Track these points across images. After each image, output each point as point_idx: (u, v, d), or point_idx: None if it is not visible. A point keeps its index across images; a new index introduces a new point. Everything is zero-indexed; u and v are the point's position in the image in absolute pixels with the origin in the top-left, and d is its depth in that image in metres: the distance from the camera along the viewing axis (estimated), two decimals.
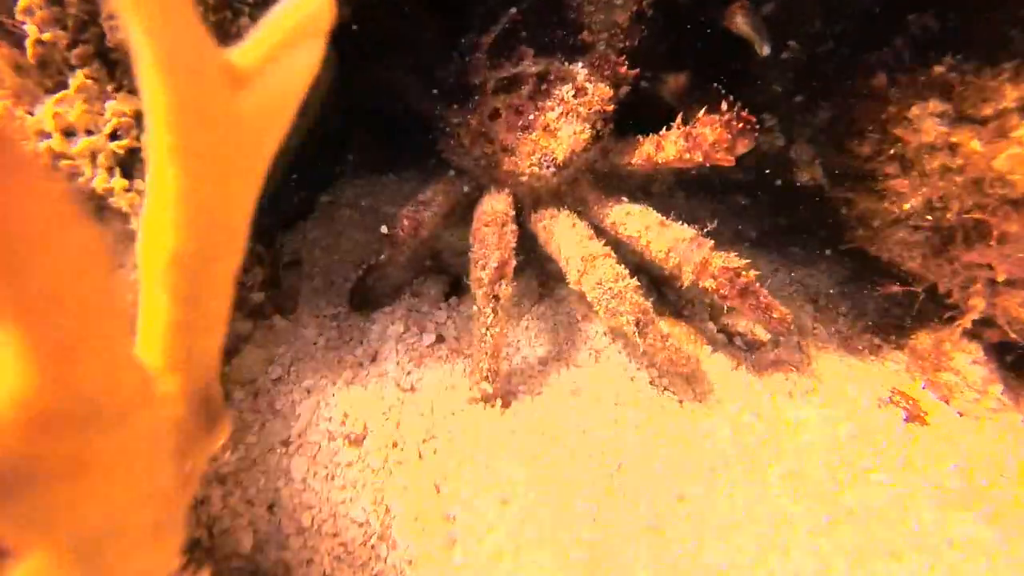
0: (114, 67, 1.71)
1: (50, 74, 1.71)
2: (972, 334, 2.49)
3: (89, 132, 1.68)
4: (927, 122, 1.99)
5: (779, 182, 2.78)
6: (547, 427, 2.15)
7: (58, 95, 1.65)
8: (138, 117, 1.70)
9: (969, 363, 2.49)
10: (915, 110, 1.99)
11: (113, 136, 1.69)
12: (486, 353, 2.07)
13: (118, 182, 1.67)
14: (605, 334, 2.54)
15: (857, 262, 3.09)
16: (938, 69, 1.98)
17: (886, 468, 2.31)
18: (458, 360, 2.34)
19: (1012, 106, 1.91)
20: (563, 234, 2.21)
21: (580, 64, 2.24)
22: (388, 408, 2.14)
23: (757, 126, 2.16)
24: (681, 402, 2.41)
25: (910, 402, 2.47)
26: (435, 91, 2.62)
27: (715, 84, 2.36)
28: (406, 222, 2.29)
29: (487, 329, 2.06)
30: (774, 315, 2.33)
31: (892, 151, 2.07)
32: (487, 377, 2.09)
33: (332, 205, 3.08)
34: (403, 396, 2.18)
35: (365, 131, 3.26)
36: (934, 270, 2.32)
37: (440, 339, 2.41)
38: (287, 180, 2.92)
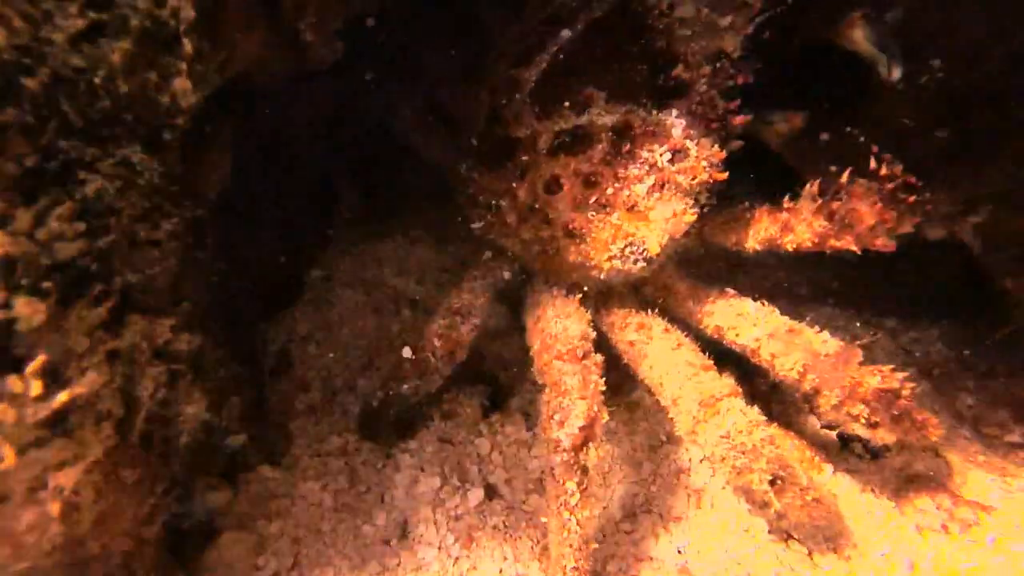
0: None
1: None
2: None
3: None
4: None
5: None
6: None
7: None
8: (6, 266, 1.03)
9: None
10: None
11: None
12: (570, 545, 1.44)
13: None
14: (702, 461, 1.92)
15: (975, 317, 2.52)
16: None
17: None
18: (520, 527, 1.70)
19: None
20: (664, 360, 1.57)
21: (674, 112, 1.57)
22: None
23: (927, 196, 1.54)
24: (811, 554, 1.81)
25: None
26: (457, 142, 1.95)
27: (849, 128, 1.74)
28: (439, 343, 1.64)
29: (571, 513, 1.42)
30: (931, 432, 1.73)
31: None
32: None
33: (326, 282, 2.40)
34: None
35: (357, 181, 2.57)
36: None
37: (490, 492, 1.77)
38: (268, 252, 2.24)
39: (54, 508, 1.12)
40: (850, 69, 1.96)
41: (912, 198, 1.51)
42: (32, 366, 1.03)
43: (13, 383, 1.01)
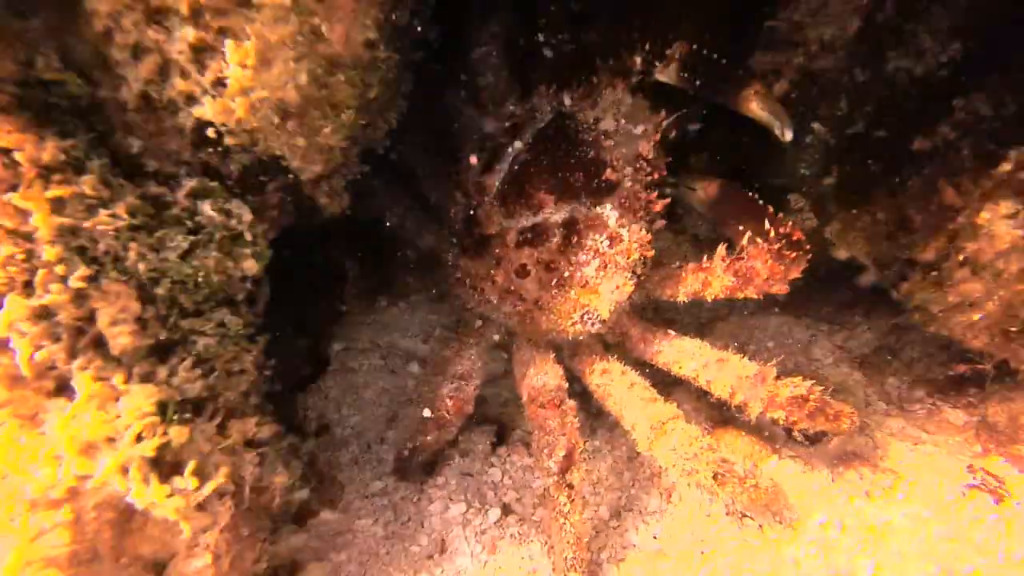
0: (118, 361, 1.50)
1: (49, 377, 1.50)
2: None
3: (111, 440, 1.47)
4: (1000, 226, 1.85)
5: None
6: None
7: (69, 412, 1.44)
8: (162, 408, 1.51)
9: None
10: (985, 215, 1.85)
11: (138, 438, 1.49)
12: (567, 542, 1.92)
13: (157, 490, 1.47)
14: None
15: (891, 314, 2.99)
16: (1005, 167, 1.84)
17: (990, 569, 2.20)
18: (531, 533, 2.18)
19: None
20: (622, 396, 2.05)
21: (608, 206, 2.05)
22: None
23: (807, 246, 2.01)
24: (761, 527, 2.28)
25: (995, 482, 2.37)
26: (443, 232, 2.42)
27: (752, 194, 2.20)
28: (450, 403, 2.11)
29: (564, 518, 1.90)
30: (843, 422, 2.20)
31: (962, 257, 1.93)
32: (573, 567, 1.94)
33: (346, 352, 2.88)
34: None
35: (358, 260, 3.04)
36: (1005, 350, 2.19)
37: (505, 510, 2.25)
38: (291, 336, 2.71)
39: (208, 558, 1.60)
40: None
41: (795, 254, 1.98)
42: (188, 468, 1.51)
43: (181, 481, 1.48)
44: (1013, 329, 2.00)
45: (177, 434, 1.49)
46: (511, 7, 2.69)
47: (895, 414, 2.73)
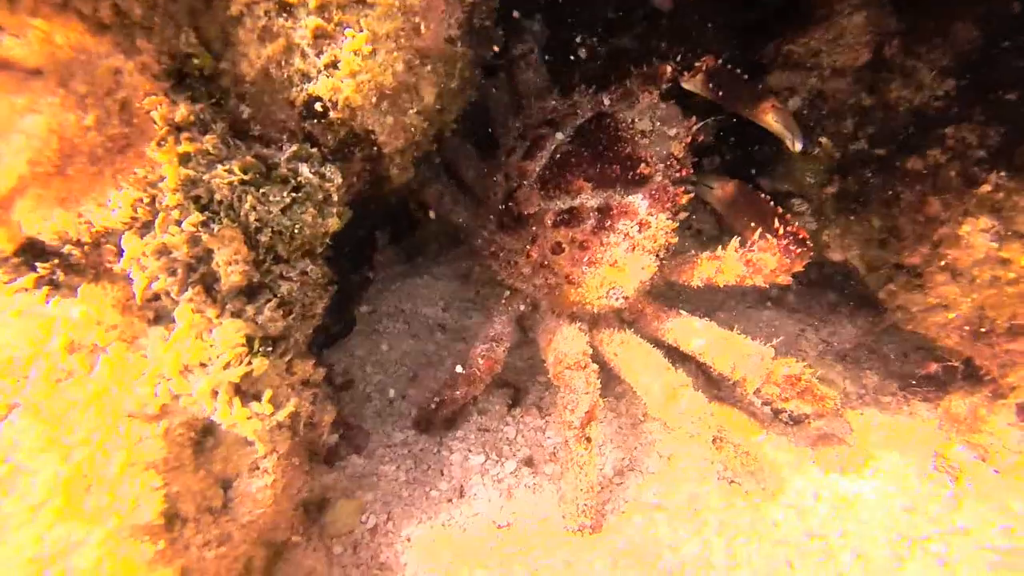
0: (216, 295, 1.70)
1: (151, 308, 1.70)
2: (1002, 395, 2.69)
3: (203, 365, 1.68)
4: (978, 239, 2.13)
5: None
6: (642, 549, 2.26)
7: (172, 338, 1.64)
8: (249, 341, 1.71)
9: (1004, 425, 2.69)
10: (966, 227, 2.13)
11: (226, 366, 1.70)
12: (581, 490, 2.17)
13: (240, 412, 1.68)
14: (669, 433, 2.67)
15: (872, 315, 3.28)
16: (985, 188, 2.12)
17: (941, 537, 2.51)
18: (543, 483, 2.43)
19: None
20: (639, 363, 2.30)
21: (640, 196, 2.29)
22: (491, 551, 2.22)
23: (811, 244, 2.27)
24: (747, 492, 2.56)
25: (953, 466, 2.67)
26: (478, 210, 2.64)
27: (765, 196, 2.44)
28: (482, 362, 2.34)
29: (581, 468, 2.15)
30: (827, 403, 2.48)
31: (943, 263, 2.21)
32: (584, 512, 2.19)
33: (372, 315, 3.09)
34: (502, 537, 2.27)
35: (387, 232, 3.24)
36: (972, 349, 2.49)
37: (520, 463, 2.49)
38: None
39: (268, 479, 1.82)
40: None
41: (800, 250, 2.24)
42: (266, 396, 1.72)
43: (258, 407, 1.70)
44: (982, 330, 2.30)
45: (259, 365, 1.70)
46: (549, 9, 2.91)
47: (870, 404, 3.02)
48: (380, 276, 3.25)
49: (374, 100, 1.66)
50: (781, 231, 2.24)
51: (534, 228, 2.37)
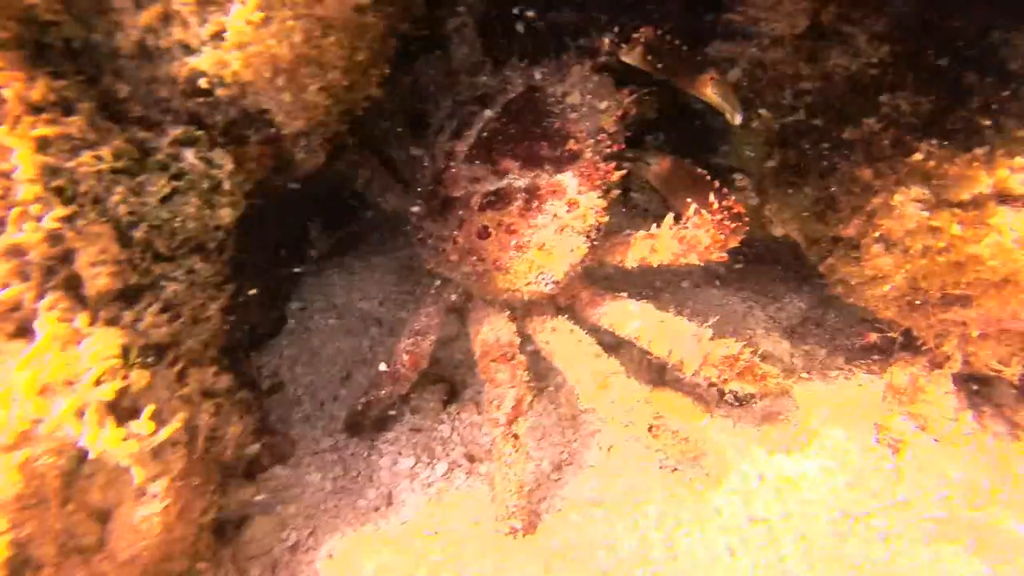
0: (87, 301, 1.51)
1: (11, 319, 1.50)
2: (938, 364, 2.68)
3: (69, 383, 1.48)
4: (909, 208, 2.07)
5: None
6: (576, 550, 2.16)
7: (29, 354, 1.44)
8: (126, 352, 1.53)
9: (942, 394, 2.68)
10: (898, 197, 2.06)
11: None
12: (510, 491, 2.05)
13: (112, 434, 1.50)
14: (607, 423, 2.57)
15: (818, 289, 3.24)
16: (917, 157, 2.05)
17: (882, 511, 2.48)
18: (476, 484, 2.31)
19: (987, 192, 2.00)
20: (569, 351, 2.18)
21: (569, 175, 2.16)
22: (417, 560, 2.09)
23: (746, 218, 2.18)
24: (690, 479, 2.48)
25: (894, 438, 2.65)
26: (408, 195, 2.48)
27: (701, 171, 2.34)
28: (406, 358, 2.20)
29: (510, 467, 2.03)
30: (768, 383, 2.42)
31: (877, 234, 2.15)
32: (515, 514, 2.08)
33: (303, 312, 2.90)
34: (430, 544, 2.13)
35: (323, 223, 3.06)
36: (909, 319, 2.45)
37: (452, 464, 2.36)
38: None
39: (156, 505, 1.63)
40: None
41: (734, 224, 2.15)
42: (146, 413, 1.54)
43: (138, 426, 1.52)
44: (917, 300, 2.25)
45: (138, 378, 1.51)
46: None
47: (816, 378, 2.98)
48: (312, 270, 3.06)
49: (268, 75, 1.47)
50: (715, 206, 2.15)
51: (460, 212, 2.22)
